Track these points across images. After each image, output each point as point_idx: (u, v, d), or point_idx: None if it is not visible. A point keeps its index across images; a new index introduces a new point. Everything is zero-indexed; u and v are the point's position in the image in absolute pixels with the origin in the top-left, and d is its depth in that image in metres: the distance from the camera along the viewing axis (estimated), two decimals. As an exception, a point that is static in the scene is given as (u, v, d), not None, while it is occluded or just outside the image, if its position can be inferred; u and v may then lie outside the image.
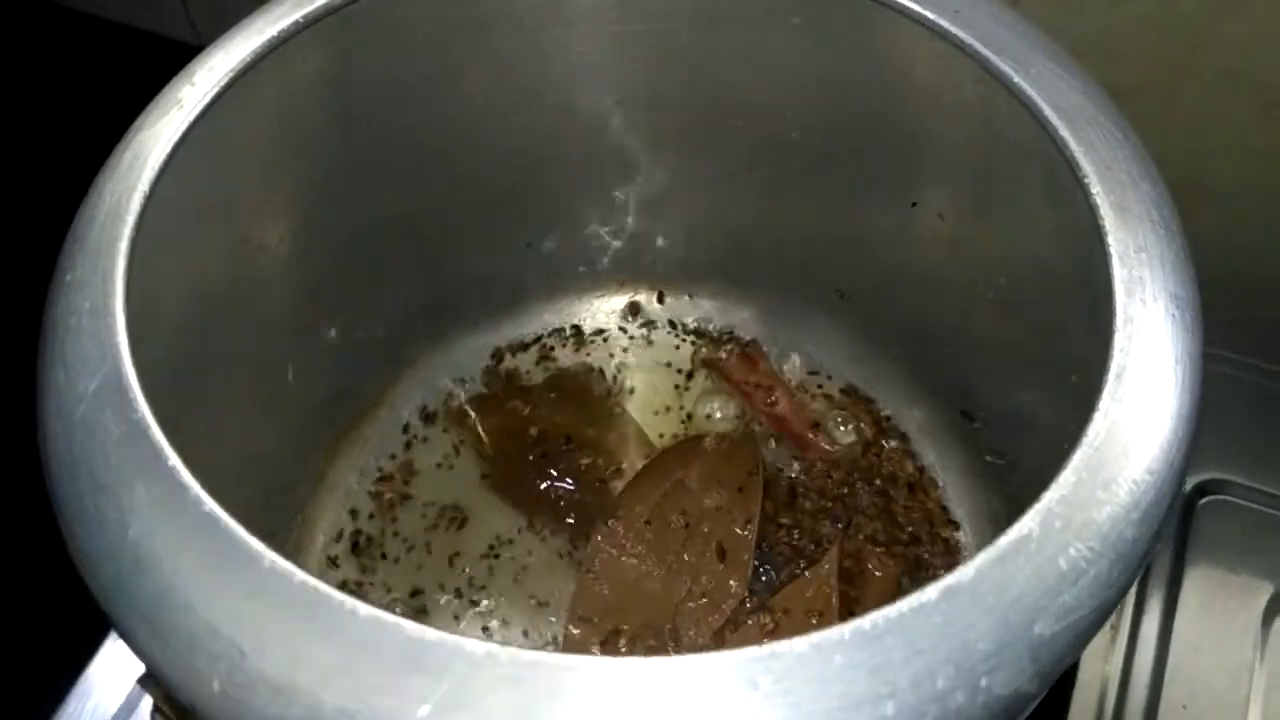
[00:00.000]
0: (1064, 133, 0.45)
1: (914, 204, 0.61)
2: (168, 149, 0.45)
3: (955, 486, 0.67)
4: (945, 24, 0.49)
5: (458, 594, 0.64)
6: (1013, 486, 0.61)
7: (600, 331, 0.75)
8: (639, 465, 0.68)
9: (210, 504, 0.35)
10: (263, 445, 0.60)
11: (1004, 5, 0.50)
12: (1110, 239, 0.42)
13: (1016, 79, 0.48)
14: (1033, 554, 0.34)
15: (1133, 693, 0.68)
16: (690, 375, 0.73)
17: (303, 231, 0.57)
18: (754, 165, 0.66)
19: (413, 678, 0.32)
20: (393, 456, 0.69)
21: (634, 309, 0.75)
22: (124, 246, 0.41)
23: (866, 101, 0.58)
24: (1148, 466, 0.37)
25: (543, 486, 0.68)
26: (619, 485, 0.67)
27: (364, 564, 0.65)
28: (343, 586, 0.61)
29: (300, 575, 0.34)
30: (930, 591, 0.33)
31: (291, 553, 0.64)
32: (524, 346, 0.74)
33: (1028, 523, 0.35)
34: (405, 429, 0.70)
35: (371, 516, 0.67)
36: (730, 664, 0.32)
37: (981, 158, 0.54)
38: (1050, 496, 0.36)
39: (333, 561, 0.65)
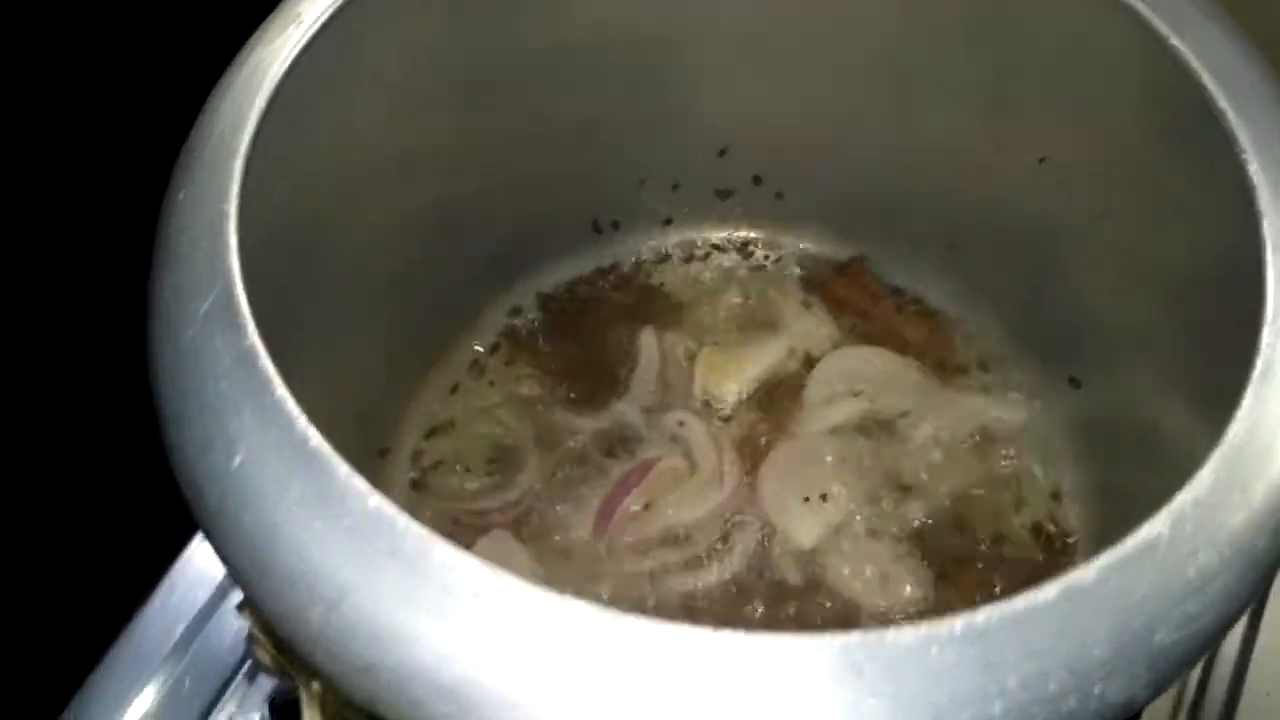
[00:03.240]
0: (1222, 103, 0.42)
1: (1041, 159, 0.58)
2: (285, 65, 0.44)
3: (1054, 450, 0.65)
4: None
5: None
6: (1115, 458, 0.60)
7: (698, 258, 0.74)
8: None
9: (317, 438, 0.35)
10: (360, 362, 0.60)
11: (1167, -40, 0.47)
12: (1265, 224, 0.40)
13: (1173, 40, 0.45)
14: (1160, 558, 0.33)
15: (1216, 676, 0.67)
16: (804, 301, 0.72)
17: (416, 151, 0.57)
18: (875, 105, 0.64)
19: (517, 634, 0.32)
20: (480, 373, 0.69)
21: (738, 246, 0.74)
22: (239, 165, 0.40)
23: (1005, 44, 0.55)
24: (1287, 472, 0.35)
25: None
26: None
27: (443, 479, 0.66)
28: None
29: (405, 519, 0.33)
30: (1048, 590, 0.32)
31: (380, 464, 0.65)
32: (606, 274, 0.73)
33: (1157, 525, 0.33)
34: (492, 349, 0.70)
35: (453, 425, 0.67)
36: (836, 647, 0.32)
37: (1122, 118, 0.51)
38: (1183, 498, 0.34)
39: (416, 479, 0.65)
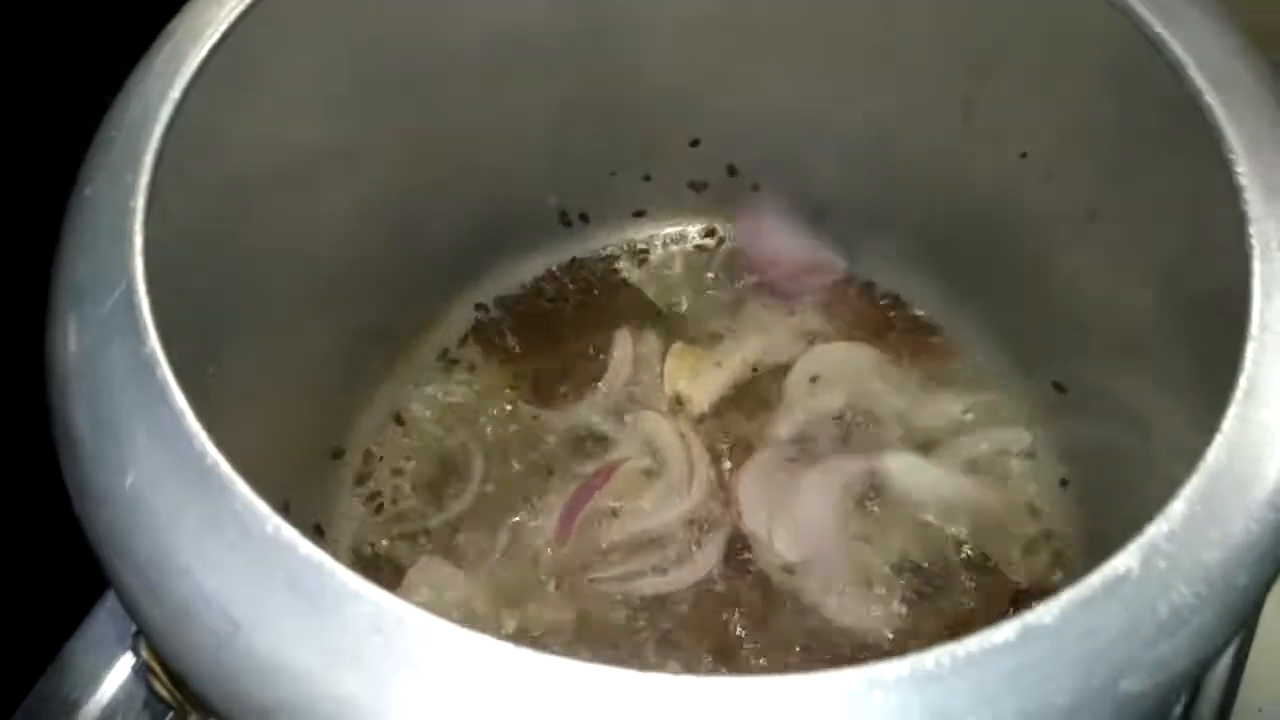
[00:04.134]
0: (1209, 98, 0.39)
1: (1023, 154, 0.55)
2: (209, 45, 0.41)
3: (1038, 456, 0.62)
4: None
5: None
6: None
7: (671, 252, 0.71)
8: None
9: (215, 455, 0.32)
10: (315, 361, 0.58)
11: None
12: (1252, 229, 0.37)
13: (1158, 28, 0.42)
14: (1129, 597, 0.30)
15: (1207, 691, 0.64)
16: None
17: (361, 139, 0.54)
18: (851, 93, 0.60)
19: (428, 676, 0.29)
20: (442, 372, 0.67)
21: (713, 240, 0.71)
22: (149, 159, 0.37)
23: (985, 31, 0.52)
24: (1272, 501, 0.32)
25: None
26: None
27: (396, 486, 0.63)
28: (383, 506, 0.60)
29: (306, 547, 0.31)
30: (1006, 630, 0.29)
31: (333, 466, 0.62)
32: (575, 268, 0.70)
33: (1126, 559, 0.31)
34: (457, 346, 0.67)
35: (411, 427, 0.65)
36: (767, 690, 0.29)
37: (1105, 113, 0.48)
38: (1155, 530, 0.31)
39: (366, 486, 0.63)
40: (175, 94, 0.39)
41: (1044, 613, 0.30)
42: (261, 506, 0.31)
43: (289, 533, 0.31)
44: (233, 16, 0.42)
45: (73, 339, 0.35)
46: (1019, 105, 0.53)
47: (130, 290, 0.35)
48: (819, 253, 0.69)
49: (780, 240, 0.69)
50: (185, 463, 0.32)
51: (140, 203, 0.37)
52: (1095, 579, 0.30)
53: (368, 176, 0.56)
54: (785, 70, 0.61)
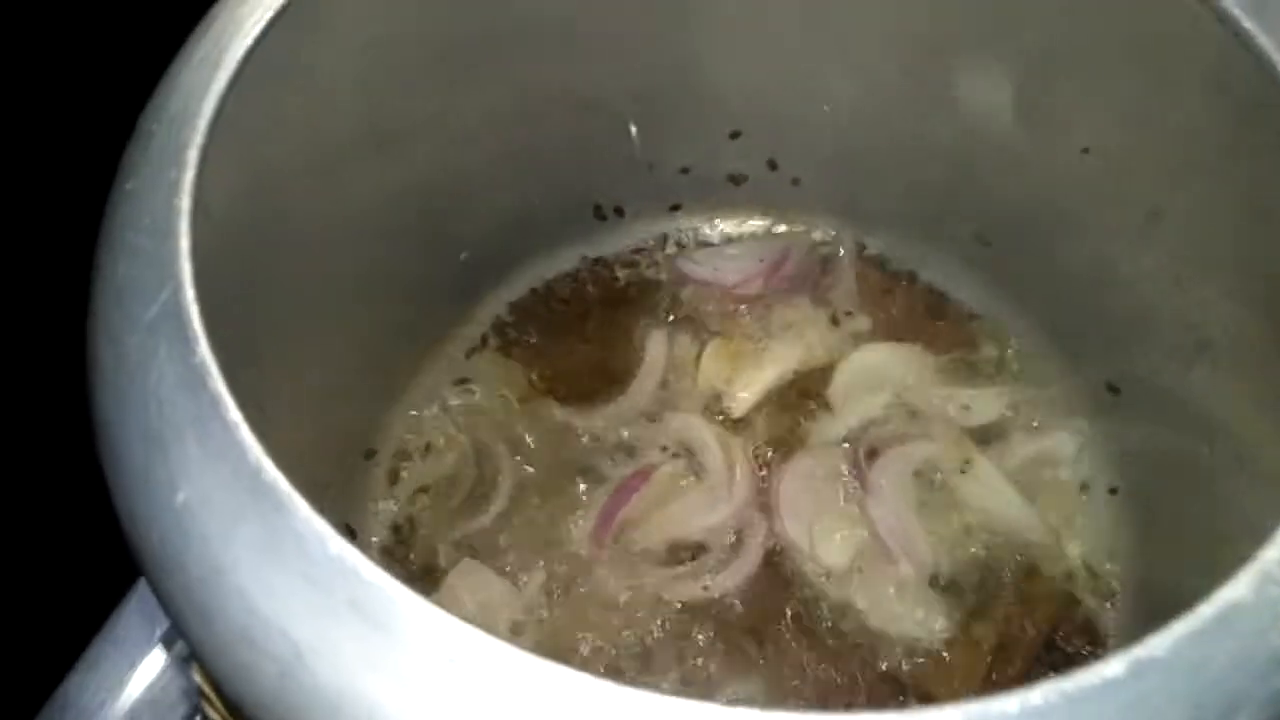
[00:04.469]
0: (1305, 96, 0.38)
1: (1085, 150, 0.53)
2: (253, 34, 0.40)
3: (1089, 463, 0.60)
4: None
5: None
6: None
7: (708, 248, 0.69)
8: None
9: (272, 470, 0.30)
10: (347, 360, 0.56)
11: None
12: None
13: (1246, 22, 0.40)
14: (1242, 627, 0.28)
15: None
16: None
17: (396, 127, 0.52)
18: (900, 85, 0.58)
19: (501, 709, 0.27)
20: (473, 370, 0.65)
21: (751, 235, 0.69)
22: (194, 155, 0.36)
23: (1046, 19, 0.50)
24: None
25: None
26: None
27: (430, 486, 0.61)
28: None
29: (369, 567, 0.29)
30: (1114, 665, 0.28)
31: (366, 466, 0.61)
32: (608, 263, 0.68)
33: (1239, 587, 0.29)
34: (485, 344, 0.66)
35: (444, 428, 0.63)
36: (865, 728, 0.27)
37: (1180, 110, 0.46)
38: (1269, 555, 0.29)
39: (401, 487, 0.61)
40: (219, 87, 0.37)
41: (1155, 645, 0.28)
42: (322, 525, 0.30)
43: (353, 554, 0.29)
44: (276, 5, 0.40)
45: (116, 345, 0.33)
46: (1083, 100, 0.51)
47: (178, 293, 0.33)
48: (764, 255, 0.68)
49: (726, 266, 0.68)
50: (239, 478, 0.30)
51: (186, 201, 0.35)
52: (1206, 609, 0.29)
53: (402, 169, 0.54)
54: (829, 60, 0.60)
